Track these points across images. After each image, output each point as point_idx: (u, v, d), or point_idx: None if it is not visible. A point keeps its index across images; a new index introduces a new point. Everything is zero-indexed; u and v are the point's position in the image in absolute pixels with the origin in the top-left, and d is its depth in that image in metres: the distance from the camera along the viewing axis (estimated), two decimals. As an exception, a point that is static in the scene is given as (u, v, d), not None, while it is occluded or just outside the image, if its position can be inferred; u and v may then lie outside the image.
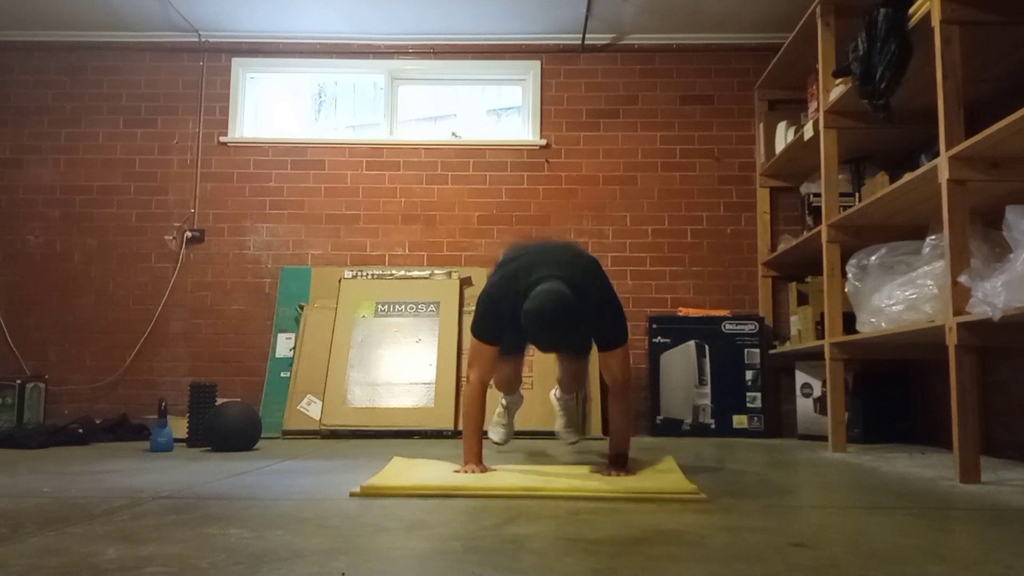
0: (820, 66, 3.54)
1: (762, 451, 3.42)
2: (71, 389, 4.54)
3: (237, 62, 4.83)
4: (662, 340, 4.33)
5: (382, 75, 4.88)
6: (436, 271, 4.54)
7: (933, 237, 2.80)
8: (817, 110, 3.62)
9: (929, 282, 2.78)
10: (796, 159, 4.19)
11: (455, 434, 4.01)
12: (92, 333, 4.61)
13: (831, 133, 3.49)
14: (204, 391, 3.56)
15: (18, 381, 4.27)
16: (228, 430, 3.34)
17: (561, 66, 4.79)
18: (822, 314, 3.57)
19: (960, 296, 2.37)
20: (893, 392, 3.94)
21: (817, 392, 4.01)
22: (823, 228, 3.50)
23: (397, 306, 4.41)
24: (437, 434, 4.02)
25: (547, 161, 4.71)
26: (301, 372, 4.25)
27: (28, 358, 4.58)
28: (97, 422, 4.00)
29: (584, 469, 2.51)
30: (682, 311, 4.46)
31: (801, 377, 4.12)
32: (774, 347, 4.36)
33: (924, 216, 3.01)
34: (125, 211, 4.70)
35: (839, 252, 3.45)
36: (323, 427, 4.05)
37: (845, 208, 3.41)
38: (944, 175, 2.44)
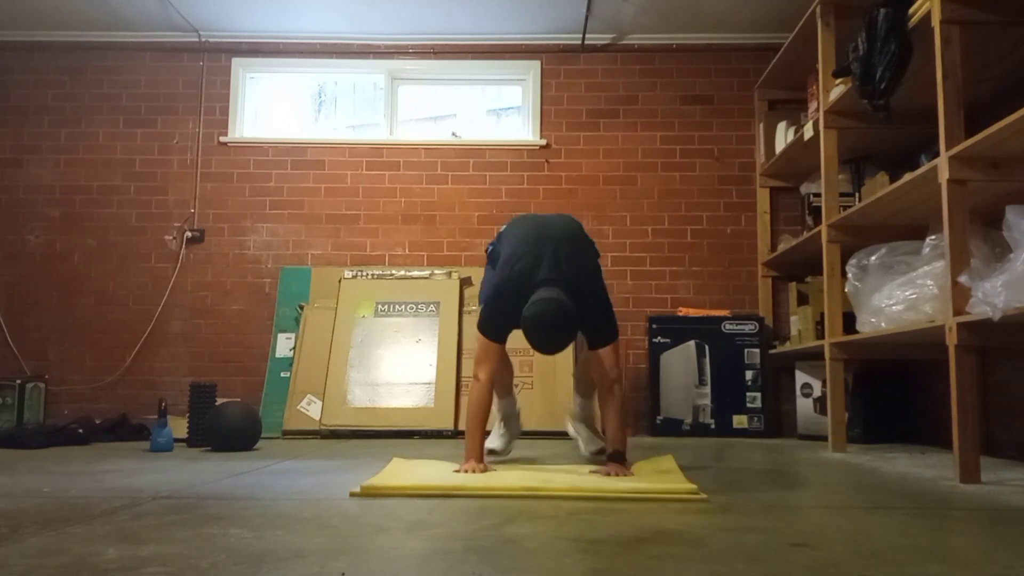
0: (820, 66, 3.54)
1: (762, 451, 3.42)
2: (71, 389, 4.54)
3: (237, 62, 4.83)
4: (662, 340, 4.33)
5: (382, 75, 4.88)
6: (436, 271, 4.54)
7: (933, 237, 2.80)
8: (817, 110, 3.62)
9: (929, 282, 2.78)
10: (796, 159, 4.19)
11: (455, 434, 4.01)
12: (92, 333, 4.61)
13: (831, 133, 3.49)
14: (204, 391, 3.56)
15: (18, 381, 4.27)
16: (228, 430, 3.34)
17: (561, 66, 4.79)
18: (822, 314, 3.57)
19: (960, 296, 2.37)
20: (893, 392, 3.94)
21: (817, 392, 4.01)
22: (823, 228, 3.50)
23: (397, 306, 4.41)
24: (437, 434, 4.02)
25: (547, 161, 4.71)
26: (301, 372, 4.25)
27: (28, 358, 4.58)
28: (97, 422, 4.00)
29: (584, 469, 2.51)
30: (682, 311, 4.46)
31: (801, 377, 4.12)
32: (774, 347, 4.36)
33: (924, 216, 3.01)
34: (125, 211, 4.70)
35: (839, 252, 3.45)
36: (323, 427, 4.05)
37: (845, 208, 3.41)
38: (944, 175, 2.44)
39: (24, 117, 4.78)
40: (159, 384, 4.53)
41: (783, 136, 4.27)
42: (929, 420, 3.82)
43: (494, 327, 2.48)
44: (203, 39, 4.77)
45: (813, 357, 3.88)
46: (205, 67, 4.80)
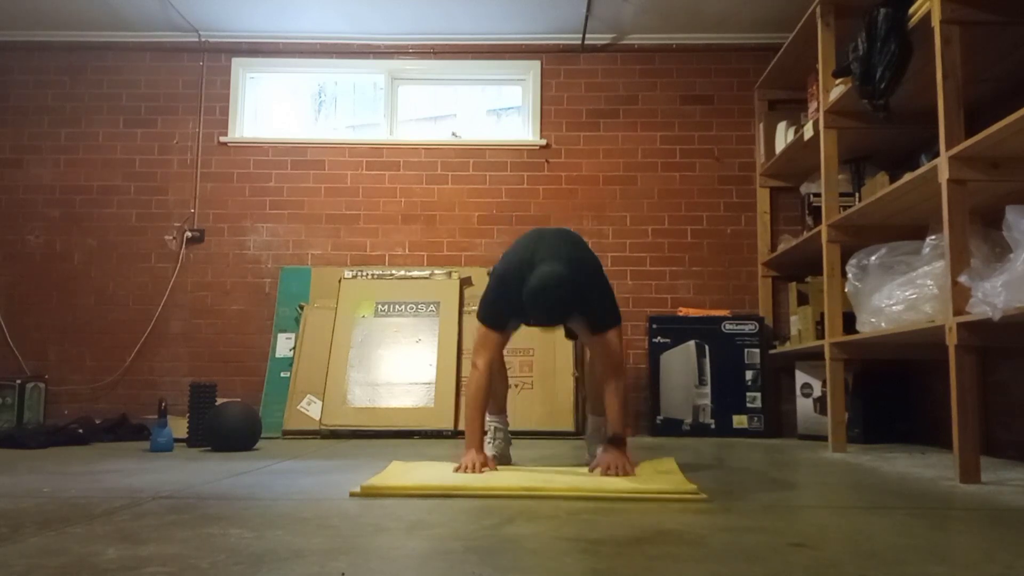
0: (820, 66, 3.54)
1: (762, 451, 3.42)
2: (71, 389, 4.54)
3: (237, 62, 4.83)
4: (662, 340, 4.33)
5: (382, 75, 4.88)
6: (436, 271, 4.54)
7: (933, 237, 2.80)
8: (817, 110, 3.62)
9: (929, 282, 2.78)
10: (796, 159, 4.19)
11: (455, 434, 4.01)
12: (92, 333, 4.61)
13: (831, 133, 3.49)
14: (204, 391, 3.56)
15: (18, 381, 4.27)
16: (228, 430, 3.34)
17: (561, 66, 4.79)
18: (822, 314, 3.57)
19: (960, 296, 2.37)
20: (893, 392, 3.94)
21: (817, 392, 4.01)
22: (823, 228, 3.50)
23: (397, 306, 4.41)
24: (437, 434, 4.02)
25: (547, 161, 4.71)
26: (301, 372, 4.25)
27: (28, 358, 4.58)
28: (97, 422, 4.00)
29: (584, 469, 2.51)
30: (682, 311, 4.46)
31: (801, 377, 4.12)
32: (774, 347, 4.36)
33: (924, 216, 3.01)
34: (125, 211, 4.71)
35: (839, 252, 3.45)
36: (323, 427, 4.05)
37: (845, 208, 3.41)
38: (944, 175, 2.44)
39: (24, 117, 4.78)
40: (159, 384, 4.53)
41: (783, 136, 4.27)
42: (929, 420, 3.82)
43: (494, 314, 2.51)
44: (203, 39, 4.77)
45: (813, 357, 3.88)
46: (205, 67, 4.80)
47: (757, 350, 4.28)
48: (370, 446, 3.52)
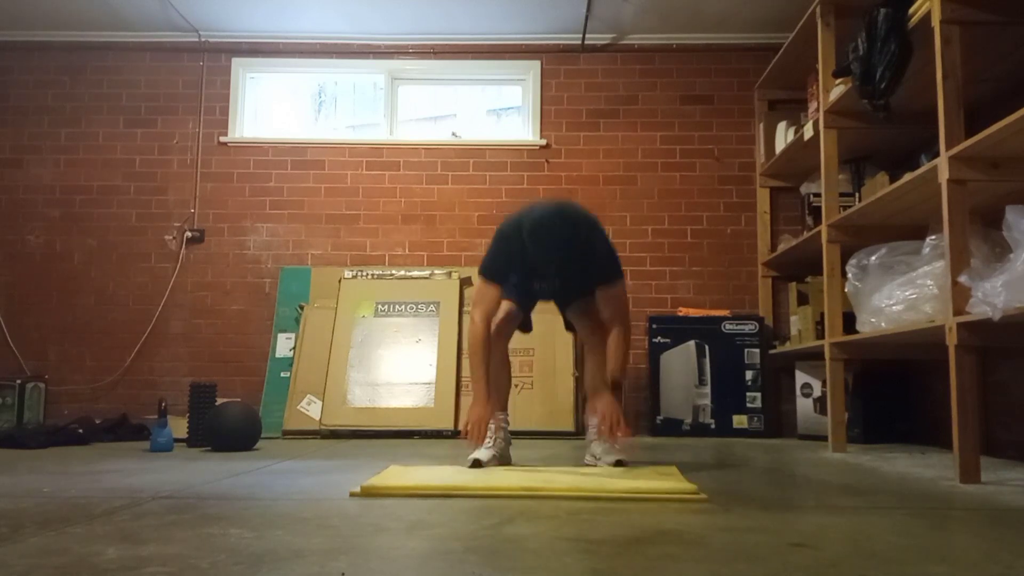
0: (820, 66, 3.54)
1: (762, 451, 3.42)
2: (71, 389, 4.54)
3: (237, 62, 4.83)
4: (662, 340, 4.33)
5: (382, 75, 4.88)
6: (436, 271, 4.54)
7: (933, 237, 2.80)
8: (817, 110, 3.62)
9: (929, 282, 2.78)
10: (796, 159, 4.19)
11: (455, 434, 4.01)
12: (92, 333, 4.61)
13: (831, 133, 3.49)
14: (204, 391, 3.56)
15: (18, 381, 4.27)
16: (228, 430, 3.34)
17: (561, 66, 4.79)
18: (822, 314, 3.57)
19: (960, 296, 2.37)
20: (893, 392, 3.94)
21: (817, 392, 4.01)
22: (823, 228, 3.50)
23: (397, 306, 4.41)
24: (437, 434, 4.02)
25: (547, 161, 4.71)
26: (301, 372, 4.25)
27: (28, 358, 4.58)
28: (97, 422, 4.00)
29: (584, 469, 2.51)
30: (682, 311, 4.46)
31: (801, 377, 4.12)
32: (774, 347, 4.36)
33: (924, 216, 3.01)
34: (125, 211, 4.71)
35: (839, 252, 3.45)
36: (323, 427, 4.05)
37: (845, 208, 3.41)
38: (944, 175, 2.44)
39: (24, 117, 4.78)
40: (159, 384, 4.53)
41: (783, 136, 4.27)
42: (929, 420, 3.82)
43: (494, 268, 2.59)
44: (203, 39, 4.77)
45: (813, 357, 3.89)
46: (205, 67, 4.80)
47: (757, 350, 4.28)
48: (370, 446, 3.52)
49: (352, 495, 2.01)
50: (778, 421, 4.39)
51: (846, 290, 3.27)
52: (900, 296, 2.89)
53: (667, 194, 4.67)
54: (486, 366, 2.57)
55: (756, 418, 4.22)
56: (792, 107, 4.37)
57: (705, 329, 4.30)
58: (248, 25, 4.68)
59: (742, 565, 1.27)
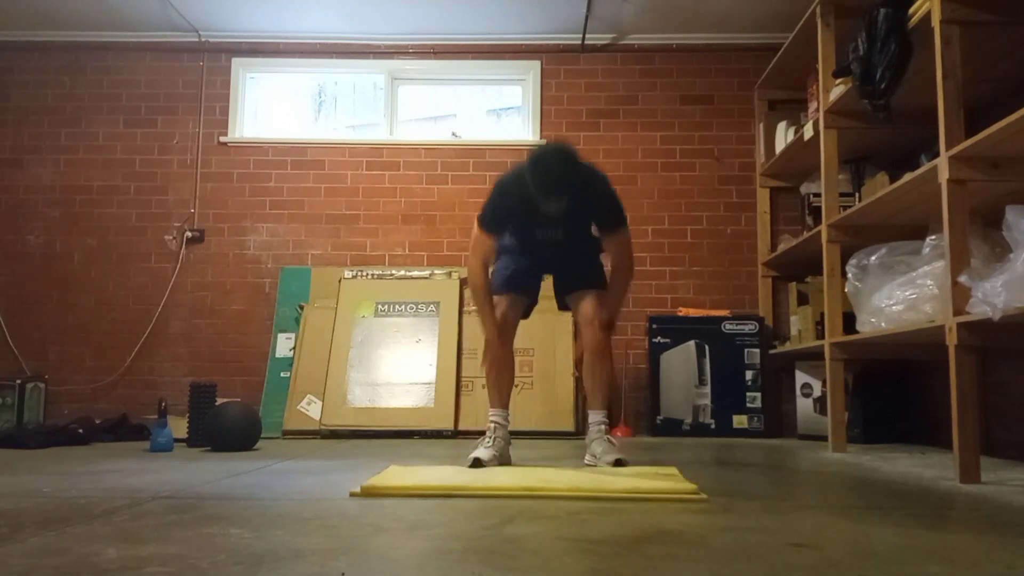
0: (820, 66, 3.54)
1: (762, 451, 3.42)
2: (71, 389, 4.54)
3: (237, 62, 4.83)
4: (662, 340, 4.33)
5: (382, 75, 4.88)
6: (436, 271, 4.54)
7: (933, 237, 2.80)
8: (817, 110, 3.62)
9: (929, 282, 2.78)
10: (796, 159, 4.19)
11: (455, 434, 4.01)
12: (92, 333, 4.61)
13: (831, 133, 3.49)
14: (204, 391, 3.56)
15: (18, 381, 4.27)
16: (228, 430, 3.34)
17: (561, 66, 4.79)
18: (822, 314, 3.57)
19: (960, 296, 2.37)
20: (893, 392, 3.94)
21: (817, 392, 4.01)
22: (823, 228, 3.50)
23: (397, 306, 4.41)
24: (437, 434, 4.02)
25: (547, 161, 4.70)
26: (301, 372, 4.25)
27: (28, 358, 4.58)
28: (97, 422, 4.00)
29: (584, 469, 2.51)
30: (682, 311, 4.46)
31: (801, 377, 4.12)
32: (774, 347, 4.36)
33: (924, 216, 3.01)
34: (125, 211, 4.71)
35: (839, 252, 3.45)
36: (323, 427, 4.05)
37: (845, 208, 3.41)
38: (944, 175, 2.44)
39: (24, 117, 4.78)
40: (159, 384, 4.53)
41: (783, 136, 4.27)
42: (929, 420, 3.81)
43: (491, 218, 2.66)
44: (203, 39, 4.77)
45: (813, 357, 3.88)
46: (205, 67, 4.80)
47: (757, 350, 4.28)
48: (370, 446, 3.52)
49: (352, 495, 2.00)
50: (778, 421, 4.39)
51: (846, 290, 3.27)
52: (900, 296, 2.89)
53: (667, 194, 4.67)
54: (488, 293, 2.69)
55: (756, 418, 4.22)
56: (792, 107, 4.37)
57: (705, 329, 4.30)
58: (248, 25, 4.68)
59: (742, 565, 1.27)
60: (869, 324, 3.09)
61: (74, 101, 4.79)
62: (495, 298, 2.73)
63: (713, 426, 4.21)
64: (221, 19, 4.61)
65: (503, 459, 2.67)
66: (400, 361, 4.24)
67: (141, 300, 4.63)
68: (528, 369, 4.18)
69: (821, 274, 3.53)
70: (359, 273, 4.53)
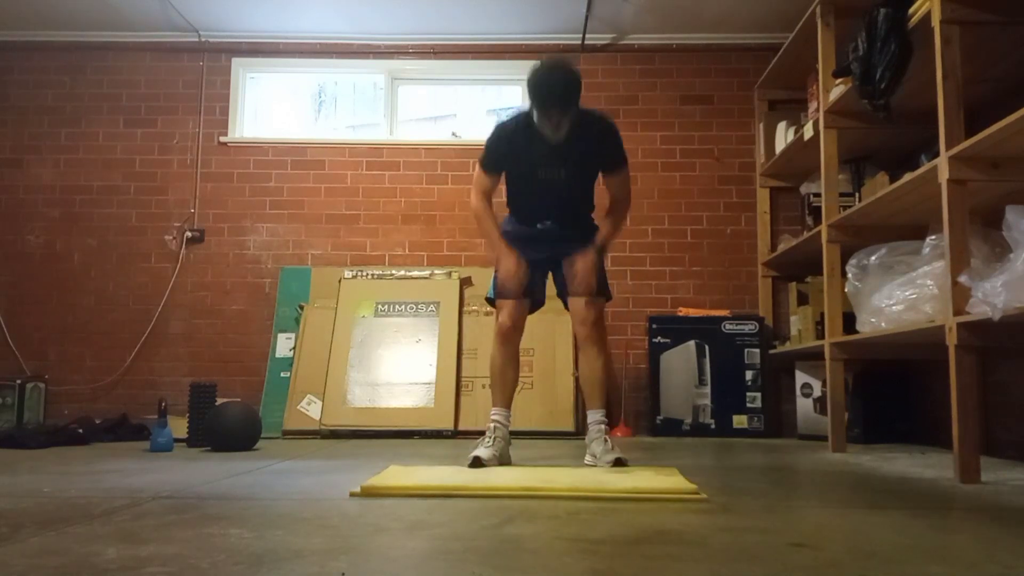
0: (820, 66, 3.54)
1: (762, 451, 3.42)
2: (71, 389, 4.54)
3: (237, 62, 4.83)
4: (662, 340, 4.33)
5: (382, 75, 4.88)
6: (436, 271, 4.54)
7: (933, 237, 2.80)
8: (817, 110, 3.62)
9: (929, 282, 2.78)
10: (796, 159, 4.19)
11: (455, 434, 4.01)
12: (92, 333, 4.61)
13: (831, 133, 3.49)
14: (204, 391, 3.56)
15: (18, 381, 4.27)
16: (228, 430, 3.34)
17: (561, 66, 4.77)
18: (822, 314, 3.57)
19: (960, 296, 2.37)
20: (893, 392, 3.94)
21: (817, 392, 4.01)
22: (823, 228, 3.50)
23: (397, 306, 4.41)
24: (437, 434, 4.02)
25: (547, 161, 4.70)
26: (301, 372, 4.25)
27: (28, 358, 4.58)
28: (97, 422, 4.00)
29: (584, 469, 2.51)
30: (682, 311, 4.46)
31: (801, 377, 4.12)
32: (774, 347, 4.36)
33: (924, 216, 3.01)
34: (125, 211, 4.70)
35: (839, 252, 3.45)
36: (323, 427, 4.05)
37: (845, 208, 3.41)
38: (944, 175, 2.44)
39: (24, 117, 4.78)
40: (159, 384, 4.53)
41: (783, 136, 4.27)
42: (929, 420, 3.81)
43: (490, 159, 2.71)
44: (203, 39, 4.77)
45: (813, 357, 3.88)
46: (205, 67, 4.80)
47: (757, 350, 4.28)
48: (370, 446, 3.52)
49: (352, 495, 2.00)
50: (778, 421, 4.39)
51: (846, 290, 3.27)
52: (900, 296, 2.89)
53: (667, 194, 4.67)
54: (492, 218, 2.73)
55: (756, 418, 4.22)
56: (792, 107, 4.37)
57: (705, 329, 4.30)
58: (248, 25, 4.68)
59: (742, 565, 1.27)
60: (869, 324, 3.09)
61: (74, 101, 4.79)
62: (498, 302, 2.73)
63: (713, 426, 4.21)
64: (221, 19, 4.61)
65: (503, 459, 2.67)
66: (400, 361, 4.24)
67: (141, 300, 4.63)
68: (528, 369, 4.17)
69: (821, 274, 3.53)
70: (359, 273, 4.53)
